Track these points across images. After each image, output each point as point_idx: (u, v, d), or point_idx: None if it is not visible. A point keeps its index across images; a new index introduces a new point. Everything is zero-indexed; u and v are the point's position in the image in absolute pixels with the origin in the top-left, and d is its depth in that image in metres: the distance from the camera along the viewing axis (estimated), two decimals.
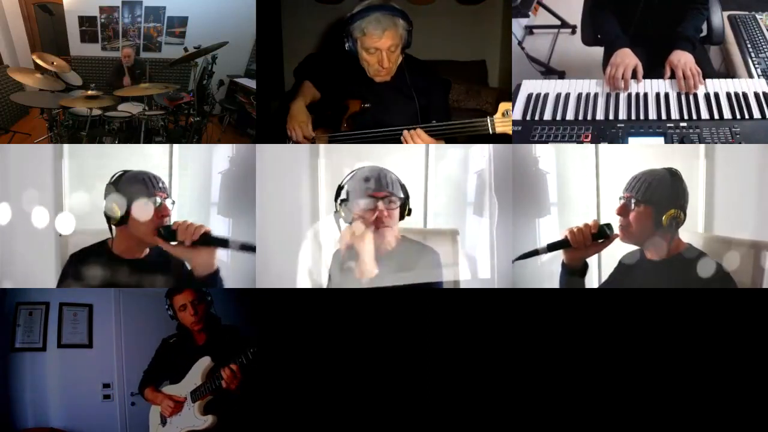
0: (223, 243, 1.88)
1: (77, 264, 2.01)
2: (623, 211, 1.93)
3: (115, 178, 1.99)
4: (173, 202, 2.00)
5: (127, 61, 3.53)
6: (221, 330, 2.25)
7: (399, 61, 2.45)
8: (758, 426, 2.14)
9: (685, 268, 1.92)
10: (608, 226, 1.91)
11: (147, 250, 2.02)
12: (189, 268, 1.94)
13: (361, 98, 2.45)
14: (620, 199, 1.96)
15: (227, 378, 2.03)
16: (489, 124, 2.16)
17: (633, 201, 1.91)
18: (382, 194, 1.95)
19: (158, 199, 1.95)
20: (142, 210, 1.93)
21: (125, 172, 2.01)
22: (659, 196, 1.89)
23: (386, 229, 1.96)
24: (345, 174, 2.03)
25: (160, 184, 1.98)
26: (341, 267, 2.04)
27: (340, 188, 2.02)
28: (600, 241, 1.90)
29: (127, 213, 1.94)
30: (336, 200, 2.02)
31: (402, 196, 2.00)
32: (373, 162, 2.05)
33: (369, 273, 1.97)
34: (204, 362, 2.14)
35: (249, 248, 1.95)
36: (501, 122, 2.15)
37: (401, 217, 2.02)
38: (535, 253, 1.96)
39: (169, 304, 2.21)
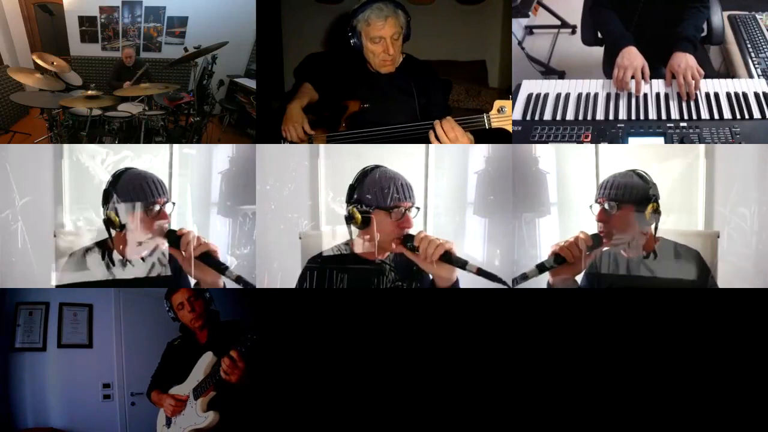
0: (222, 269, 1.89)
1: (77, 263, 2.02)
2: (604, 216, 1.96)
3: (113, 178, 1.99)
4: (173, 204, 2.01)
5: (129, 61, 3.53)
6: (222, 325, 2.24)
7: (401, 54, 2.52)
8: (756, 426, 2.14)
9: (663, 261, 1.99)
10: (596, 235, 1.94)
11: (146, 252, 2.02)
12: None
13: (361, 99, 2.49)
14: (596, 205, 1.98)
15: (227, 367, 1.98)
16: (485, 120, 2.20)
17: (612, 204, 1.94)
18: (408, 204, 1.94)
19: (158, 207, 1.96)
20: (143, 220, 1.95)
21: (126, 170, 2.00)
22: (636, 194, 1.93)
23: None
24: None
25: (161, 189, 1.98)
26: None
27: (352, 189, 1.98)
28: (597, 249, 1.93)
29: (127, 221, 1.95)
30: (348, 202, 1.98)
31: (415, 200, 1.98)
32: (374, 162, 2.04)
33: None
34: (207, 357, 2.12)
35: (245, 283, 1.96)
36: (497, 118, 2.19)
37: None
38: (525, 277, 1.93)
39: (169, 305, 2.22)
